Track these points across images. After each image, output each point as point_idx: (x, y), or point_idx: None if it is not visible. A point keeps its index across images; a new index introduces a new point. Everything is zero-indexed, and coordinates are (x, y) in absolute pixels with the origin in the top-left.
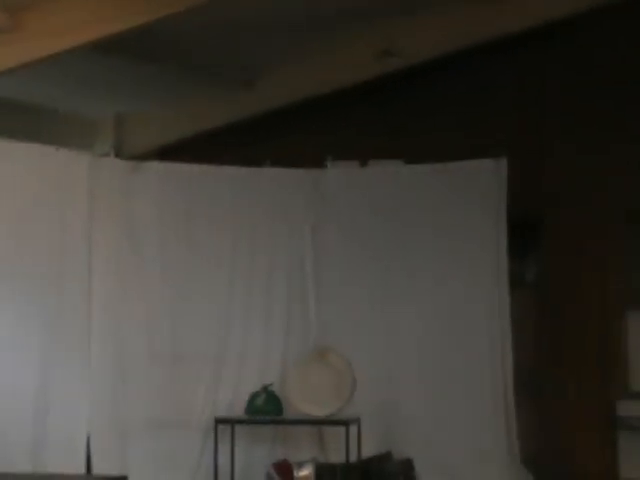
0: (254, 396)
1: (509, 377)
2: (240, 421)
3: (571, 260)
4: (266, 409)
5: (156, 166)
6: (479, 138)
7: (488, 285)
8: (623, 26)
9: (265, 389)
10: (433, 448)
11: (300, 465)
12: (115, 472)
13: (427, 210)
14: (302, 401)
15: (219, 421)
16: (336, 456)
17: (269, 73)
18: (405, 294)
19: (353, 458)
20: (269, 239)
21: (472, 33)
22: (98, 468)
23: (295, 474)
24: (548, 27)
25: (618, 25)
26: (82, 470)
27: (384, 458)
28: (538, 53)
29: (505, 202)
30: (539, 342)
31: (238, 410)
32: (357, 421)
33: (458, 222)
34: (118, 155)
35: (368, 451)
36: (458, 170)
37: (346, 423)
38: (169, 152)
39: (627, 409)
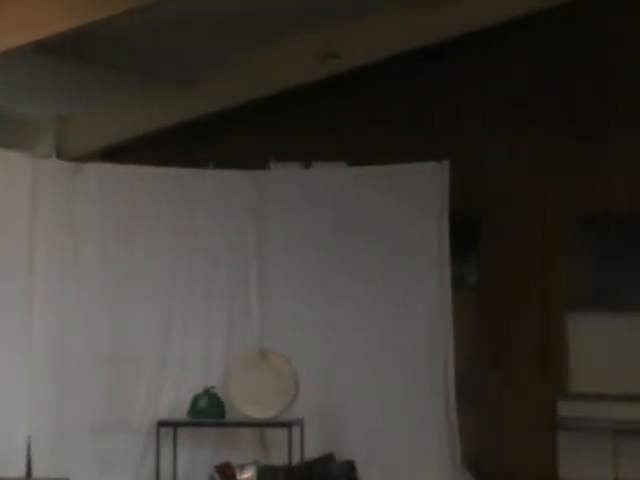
0: (196, 398)
1: (450, 378)
2: (182, 424)
3: (512, 261)
4: (209, 411)
5: (98, 167)
6: (421, 140)
7: (430, 286)
8: (544, 34)
9: (207, 391)
10: (375, 449)
11: (242, 467)
12: (56, 475)
13: (370, 212)
14: (245, 403)
15: (161, 424)
16: (279, 458)
17: (211, 74)
18: (348, 295)
19: (296, 460)
20: (211, 241)
21: (414, 36)
22: (38, 471)
23: (238, 476)
24: (484, 31)
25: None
26: (22, 473)
27: (326, 460)
28: (478, 55)
29: (447, 204)
30: (480, 343)
31: (181, 412)
32: (300, 423)
33: (400, 224)
34: (60, 156)
35: (311, 453)
36: (400, 172)
37: (289, 425)
38: (111, 153)
39: (567, 410)
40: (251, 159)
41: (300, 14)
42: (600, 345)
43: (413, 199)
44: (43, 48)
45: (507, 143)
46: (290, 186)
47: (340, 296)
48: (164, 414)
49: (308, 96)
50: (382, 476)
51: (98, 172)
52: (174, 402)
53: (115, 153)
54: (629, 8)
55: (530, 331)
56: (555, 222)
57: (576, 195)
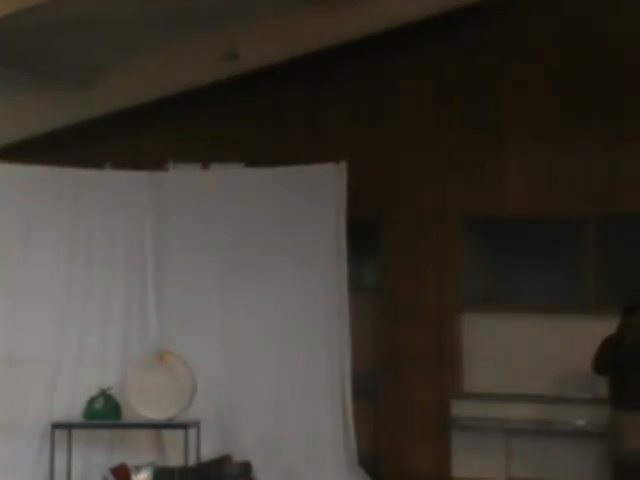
0: (92, 400)
1: (347, 379)
2: (77, 425)
3: (409, 262)
4: (104, 413)
5: None
6: (319, 142)
7: (328, 288)
8: (452, 35)
9: (103, 392)
10: (272, 450)
11: (138, 469)
12: None
13: (268, 214)
14: (141, 405)
15: (56, 426)
16: (175, 459)
17: (111, 74)
18: (245, 297)
19: (192, 461)
20: (109, 240)
21: (315, 38)
22: None
23: (133, 478)
24: (386, 33)
25: (447, 33)
26: None
27: (223, 461)
28: (374, 58)
29: (345, 205)
30: (376, 344)
31: (76, 414)
32: (196, 424)
33: (299, 225)
34: None
35: (208, 454)
36: (299, 174)
37: (185, 426)
38: (9, 153)
39: (461, 409)
40: (150, 160)
41: (200, 15)
42: (493, 345)
43: (311, 200)
44: None
45: (405, 145)
46: (188, 187)
47: (237, 297)
48: (59, 416)
49: (207, 97)
50: (278, 477)
51: None
52: (69, 404)
53: (12, 152)
54: (524, 11)
55: (425, 331)
56: (451, 224)
57: (472, 197)
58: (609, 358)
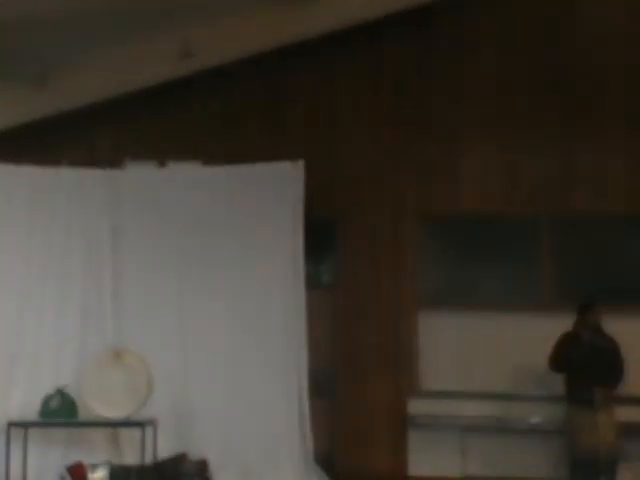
0: (48, 398)
1: (304, 378)
2: (33, 424)
3: (366, 261)
4: (60, 412)
5: None
6: (277, 141)
7: (285, 286)
8: (408, 35)
9: (60, 391)
10: (229, 448)
11: (94, 467)
12: None
13: (225, 212)
14: (97, 403)
15: (12, 424)
16: (132, 458)
17: (66, 72)
18: (202, 295)
19: (149, 460)
20: (66, 238)
21: (271, 37)
22: None
23: (89, 476)
24: (342, 33)
25: (402, 33)
26: None
27: (179, 459)
28: (331, 57)
29: (302, 204)
30: (334, 343)
31: (32, 413)
32: (153, 423)
33: (256, 223)
34: None
35: (164, 452)
36: (256, 172)
37: (142, 424)
38: None
39: (417, 408)
40: (106, 158)
41: (157, 13)
42: (450, 344)
43: (268, 199)
44: None
45: (362, 145)
46: (145, 185)
47: (195, 296)
48: (15, 414)
49: (164, 95)
50: (235, 475)
51: None
52: (25, 402)
53: None
54: (478, 11)
55: (382, 330)
56: (407, 223)
57: (429, 197)
58: (566, 356)
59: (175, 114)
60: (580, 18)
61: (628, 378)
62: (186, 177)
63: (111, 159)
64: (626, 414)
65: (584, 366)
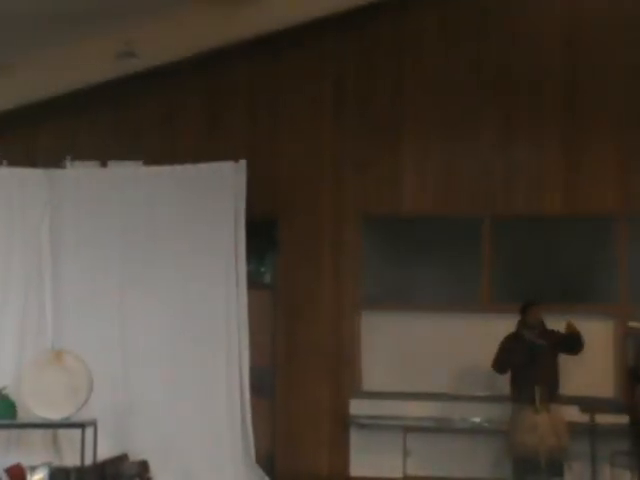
0: None
1: (245, 378)
2: None
3: (306, 261)
4: None
5: None
6: (219, 141)
7: (226, 286)
8: (350, 35)
9: None
10: (170, 449)
11: (34, 469)
12: None
13: (167, 212)
14: (37, 404)
15: None
16: (72, 459)
17: (5, 70)
18: (144, 295)
19: (89, 461)
20: (5, 238)
21: (212, 36)
22: None
23: (28, 478)
24: (285, 33)
25: (344, 33)
26: None
27: (120, 460)
28: (274, 58)
29: (244, 204)
30: (275, 342)
31: None
32: (93, 424)
33: (197, 223)
34: None
35: (104, 454)
36: (198, 172)
37: (82, 426)
38: None
39: (359, 408)
40: (46, 157)
41: (99, 12)
42: (392, 343)
43: (210, 198)
44: None
45: (303, 145)
46: (86, 184)
47: (135, 297)
48: None
49: (105, 95)
50: (176, 476)
51: None
52: None
53: None
54: (420, 12)
55: (323, 330)
56: (348, 222)
57: (369, 196)
58: (508, 357)
59: (115, 114)
60: (519, 18)
61: (572, 378)
62: (127, 177)
63: (51, 159)
64: (570, 414)
65: (526, 366)
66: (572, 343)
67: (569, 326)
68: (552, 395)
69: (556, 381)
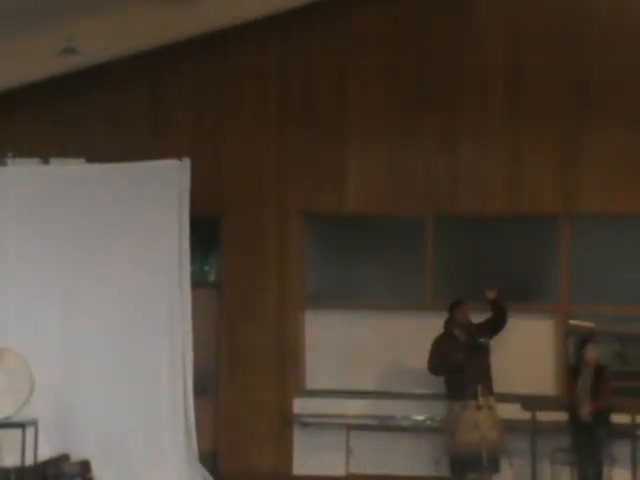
0: None
1: (189, 377)
2: None
3: (251, 260)
4: None
5: None
6: (162, 139)
7: (170, 285)
8: (294, 35)
9: None
10: (112, 449)
11: None
12: None
13: (110, 210)
14: None
15: None
16: (12, 459)
17: None
18: (85, 296)
19: (30, 461)
20: None
21: (157, 34)
22: None
23: None
24: (229, 32)
25: (289, 33)
26: None
27: (61, 460)
28: (219, 57)
29: (188, 202)
30: (219, 341)
31: None
32: (34, 424)
33: (141, 222)
34: None
35: (45, 454)
36: (142, 170)
37: (22, 426)
38: None
39: (302, 407)
40: None
41: (40, 9)
42: (335, 342)
43: (154, 197)
44: None
45: (248, 143)
46: (27, 182)
47: (77, 296)
48: None
49: (47, 91)
50: (118, 476)
51: None
52: None
53: None
54: (364, 12)
55: (268, 329)
56: (293, 221)
57: (313, 195)
58: (442, 357)
59: (58, 111)
60: (462, 18)
61: (513, 376)
62: (69, 174)
63: None
64: (511, 411)
65: (464, 364)
66: (498, 322)
67: (492, 293)
68: (490, 391)
69: (491, 376)
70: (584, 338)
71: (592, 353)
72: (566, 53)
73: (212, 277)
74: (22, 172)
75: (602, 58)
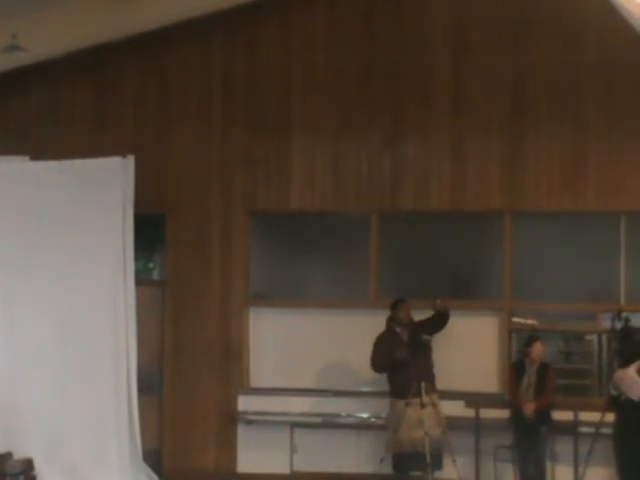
0: None
1: (133, 375)
2: None
3: (195, 257)
4: None
5: None
6: (107, 136)
7: (114, 282)
8: (239, 32)
9: None
10: (55, 447)
11: None
12: None
13: (54, 207)
14: None
15: None
16: None
17: None
18: (30, 293)
19: None
20: None
21: (102, 31)
22: None
23: None
24: (175, 29)
25: (233, 31)
26: None
27: (4, 458)
28: (164, 54)
29: (132, 199)
30: (162, 339)
31: None
32: None
33: (85, 219)
34: None
35: None
36: (86, 167)
37: None
38: None
39: (247, 404)
40: None
41: None
42: (279, 340)
43: (98, 194)
44: None
45: (192, 141)
46: None
47: (22, 294)
48: None
49: None
50: (61, 474)
51: None
52: None
53: None
54: (309, 9)
55: (212, 326)
56: (237, 218)
57: (258, 193)
58: (388, 356)
59: (3, 108)
60: (408, 17)
61: (457, 373)
62: (12, 172)
63: None
64: (455, 409)
65: (408, 362)
66: (439, 322)
67: (439, 305)
68: (433, 388)
69: (434, 373)
70: (530, 336)
71: (537, 351)
72: (508, 53)
73: (156, 274)
74: None
75: (544, 58)
